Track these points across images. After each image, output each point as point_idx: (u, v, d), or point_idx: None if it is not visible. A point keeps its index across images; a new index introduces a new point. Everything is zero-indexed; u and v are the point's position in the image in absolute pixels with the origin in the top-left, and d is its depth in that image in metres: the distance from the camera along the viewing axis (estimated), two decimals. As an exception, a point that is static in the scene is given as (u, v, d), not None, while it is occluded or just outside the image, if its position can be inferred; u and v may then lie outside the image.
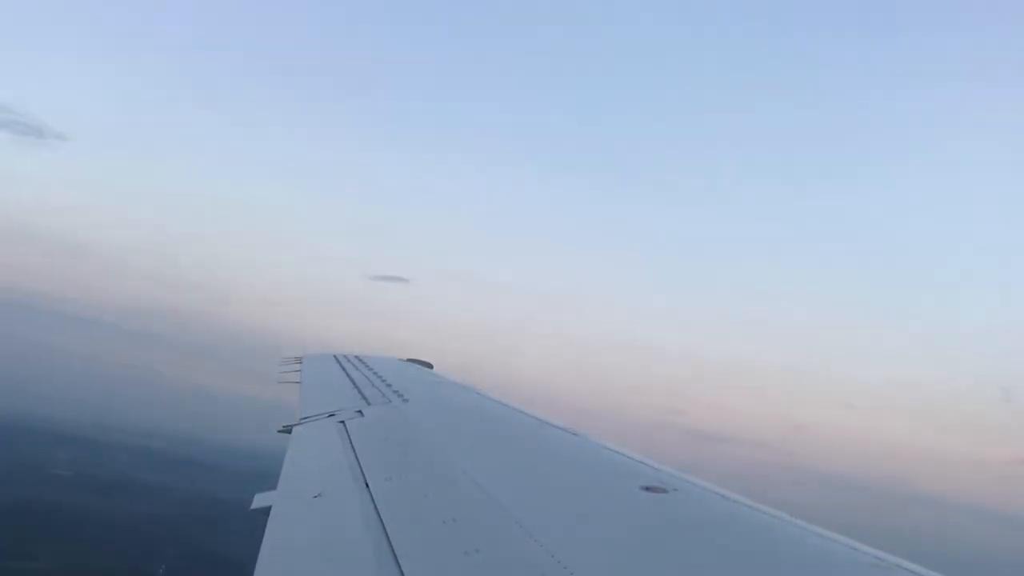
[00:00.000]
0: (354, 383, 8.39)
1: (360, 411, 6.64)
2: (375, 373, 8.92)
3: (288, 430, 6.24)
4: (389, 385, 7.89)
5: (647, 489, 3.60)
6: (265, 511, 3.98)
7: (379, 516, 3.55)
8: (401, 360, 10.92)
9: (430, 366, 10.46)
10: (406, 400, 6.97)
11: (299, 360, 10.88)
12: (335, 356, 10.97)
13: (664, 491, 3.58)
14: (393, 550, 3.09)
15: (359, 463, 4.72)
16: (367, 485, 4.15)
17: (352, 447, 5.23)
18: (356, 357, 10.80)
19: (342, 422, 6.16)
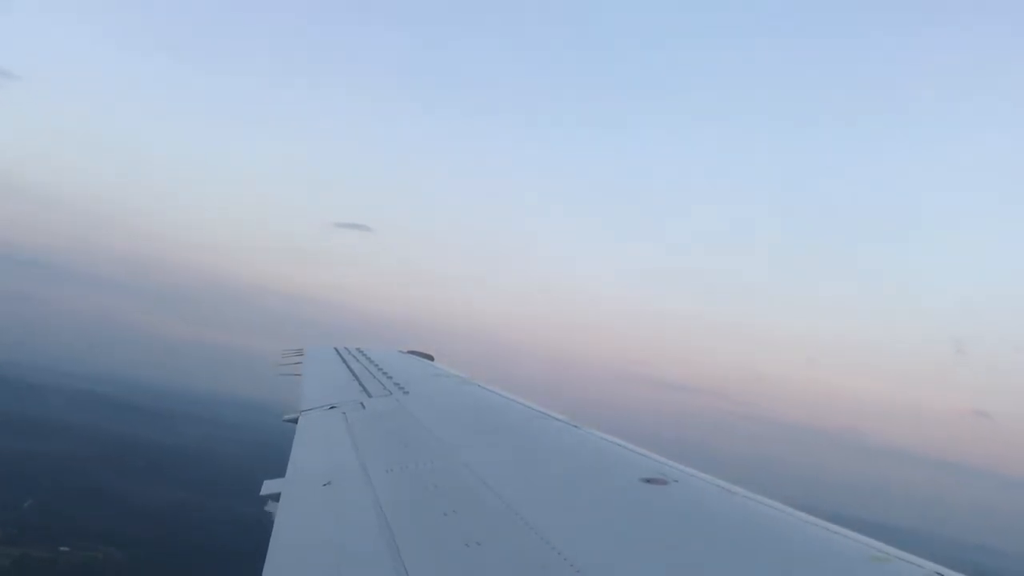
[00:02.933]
0: (355, 375, 8.42)
1: (361, 403, 6.67)
2: (376, 365, 8.95)
3: (293, 421, 6.29)
4: (390, 377, 7.91)
5: (648, 481, 3.61)
6: (262, 512, 4.04)
7: (380, 508, 3.56)
8: (402, 352, 10.96)
9: (431, 358, 10.49)
10: (407, 392, 6.99)
11: (300, 352, 10.95)
12: (336, 349, 11.02)
13: (665, 483, 3.59)
14: (394, 542, 3.10)
15: (360, 455, 4.74)
16: (368, 477, 4.17)
17: (353, 439, 5.25)
18: (357, 349, 10.84)
19: (343, 414, 6.19)
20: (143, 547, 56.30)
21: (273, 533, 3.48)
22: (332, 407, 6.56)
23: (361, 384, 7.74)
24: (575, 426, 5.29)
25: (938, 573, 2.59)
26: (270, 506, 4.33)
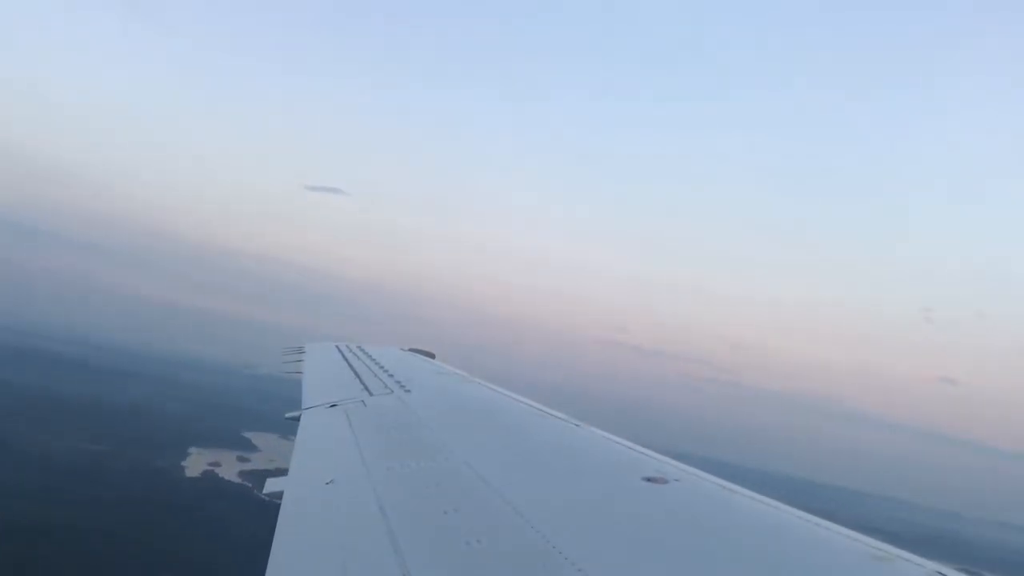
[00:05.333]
0: (356, 373, 8.43)
1: (363, 401, 6.68)
2: (377, 363, 8.95)
3: (295, 419, 6.31)
4: (391, 375, 7.91)
5: (649, 480, 3.62)
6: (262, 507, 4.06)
7: (381, 506, 3.57)
8: (403, 350, 10.97)
9: (432, 356, 10.51)
10: (408, 390, 6.99)
11: (301, 350, 10.97)
12: (337, 346, 11.03)
13: (665, 482, 3.60)
14: (395, 540, 3.11)
15: (362, 453, 4.75)
16: (370, 475, 4.18)
17: (355, 437, 5.26)
18: (358, 347, 10.85)
19: (345, 412, 6.20)
20: (25, 498, 56.57)
21: (276, 531, 3.49)
22: (334, 405, 6.57)
23: (363, 382, 7.75)
24: (576, 424, 5.30)
25: (939, 572, 2.59)
26: (268, 487, 4.39)
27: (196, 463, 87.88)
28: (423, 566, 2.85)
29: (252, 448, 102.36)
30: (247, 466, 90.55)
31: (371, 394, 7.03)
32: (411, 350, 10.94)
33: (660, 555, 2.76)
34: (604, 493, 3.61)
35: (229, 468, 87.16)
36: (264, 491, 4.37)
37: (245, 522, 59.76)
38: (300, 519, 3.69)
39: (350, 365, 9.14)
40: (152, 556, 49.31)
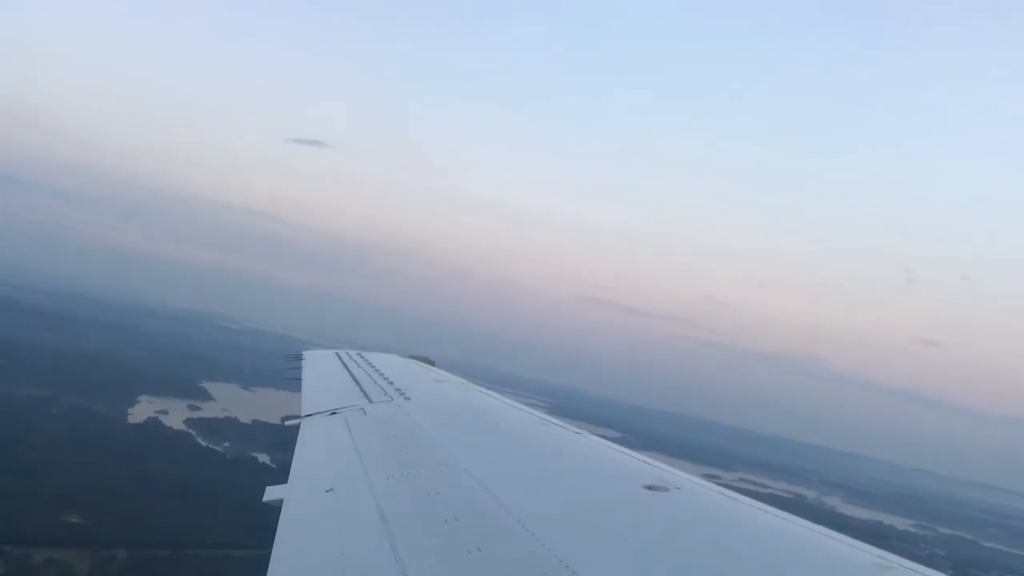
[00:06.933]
0: (356, 380, 8.43)
1: (363, 409, 6.68)
2: (377, 370, 8.95)
3: (294, 426, 6.31)
4: (391, 383, 7.91)
5: (649, 488, 3.62)
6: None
7: (381, 514, 3.58)
8: (403, 358, 10.99)
9: (432, 363, 10.52)
10: (408, 398, 6.99)
11: (299, 356, 10.98)
12: (337, 353, 11.04)
13: (666, 490, 3.60)
14: (395, 548, 3.11)
15: (362, 461, 4.76)
16: (370, 483, 4.19)
17: (355, 445, 5.26)
18: (358, 354, 10.87)
19: (345, 420, 6.20)
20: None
21: (276, 539, 3.49)
22: (334, 412, 6.57)
23: (362, 389, 7.75)
24: (577, 432, 5.30)
25: None
26: (268, 495, 4.40)
27: (143, 410, 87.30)
28: (424, 574, 2.84)
29: (207, 398, 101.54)
30: (195, 414, 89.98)
31: (371, 401, 7.03)
32: (411, 357, 10.97)
33: (661, 563, 2.75)
34: (605, 501, 3.60)
35: (176, 416, 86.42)
36: (264, 499, 4.38)
37: (173, 467, 60.08)
38: (300, 527, 3.69)
39: (350, 372, 9.14)
40: (59, 493, 48.17)
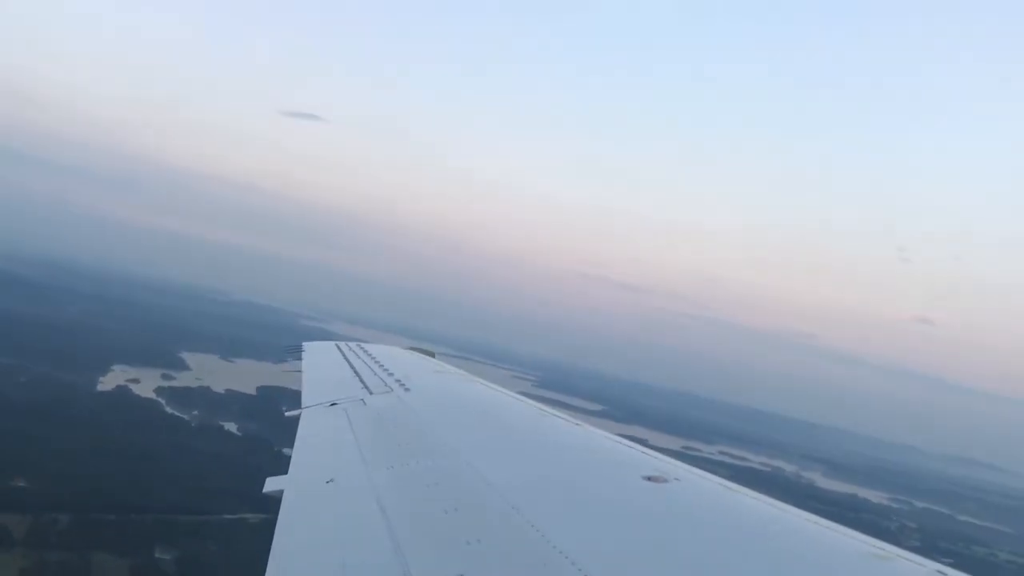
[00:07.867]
0: (356, 372, 8.42)
1: (363, 400, 6.68)
2: (377, 362, 8.94)
3: (294, 417, 6.37)
4: (391, 374, 7.92)
5: (649, 479, 3.64)
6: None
7: (381, 505, 3.60)
8: (403, 349, 11.01)
9: (432, 355, 10.55)
10: (408, 389, 6.99)
11: (299, 348, 10.96)
12: (337, 345, 11.01)
13: (666, 481, 3.62)
14: (395, 539, 3.13)
15: (362, 452, 4.77)
16: (370, 475, 4.20)
17: (355, 436, 5.28)
18: (358, 345, 10.82)
19: (345, 411, 6.22)
20: None
21: (276, 530, 3.51)
22: (334, 404, 6.58)
23: (362, 381, 7.75)
24: (577, 424, 5.32)
25: (940, 572, 2.61)
26: (268, 487, 4.43)
27: (114, 379, 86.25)
28: (424, 565, 2.86)
29: (183, 367, 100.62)
30: (168, 383, 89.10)
31: (371, 393, 7.02)
32: (411, 349, 11.01)
33: (661, 554, 2.78)
34: (604, 492, 3.62)
35: (147, 385, 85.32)
36: (264, 490, 4.39)
37: (133, 435, 59.05)
38: (300, 518, 3.72)
39: (350, 364, 9.12)
40: (8, 459, 47.50)
